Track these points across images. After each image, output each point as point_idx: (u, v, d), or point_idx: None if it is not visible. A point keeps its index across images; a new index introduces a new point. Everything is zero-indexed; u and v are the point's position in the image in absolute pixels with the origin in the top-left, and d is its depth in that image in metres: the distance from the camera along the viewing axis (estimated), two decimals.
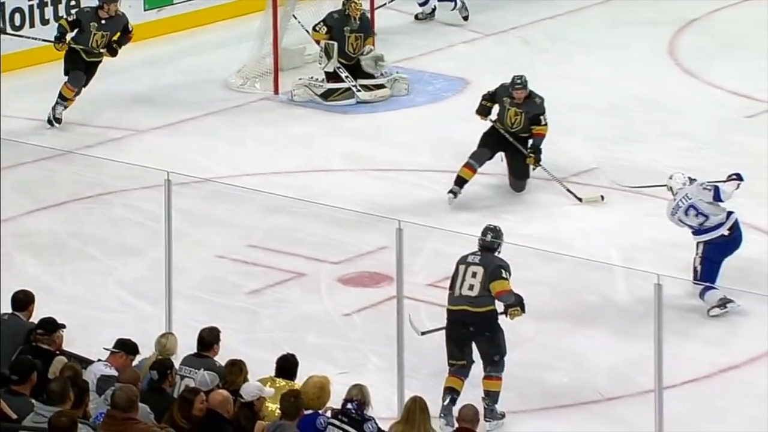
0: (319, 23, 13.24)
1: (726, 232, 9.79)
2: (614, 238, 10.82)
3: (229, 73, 13.83)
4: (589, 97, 13.39)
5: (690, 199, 9.84)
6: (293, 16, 13.86)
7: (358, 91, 13.18)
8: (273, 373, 8.08)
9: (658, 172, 11.76)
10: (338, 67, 13.16)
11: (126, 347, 8.18)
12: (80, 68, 12.66)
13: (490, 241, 8.99)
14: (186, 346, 8.27)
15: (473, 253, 8.94)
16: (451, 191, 11.30)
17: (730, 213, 9.84)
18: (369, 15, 13.54)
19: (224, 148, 12.56)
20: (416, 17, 15.08)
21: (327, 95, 13.27)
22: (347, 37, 13.15)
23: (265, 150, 12.53)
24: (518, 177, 11.43)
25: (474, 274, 8.80)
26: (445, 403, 8.74)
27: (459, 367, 8.82)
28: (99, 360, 8.13)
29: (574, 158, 12.12)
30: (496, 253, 8.94)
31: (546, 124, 11.35)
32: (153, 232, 10.03)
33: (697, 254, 9.83)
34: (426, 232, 10.48)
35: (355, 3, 13.11)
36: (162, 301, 8.91)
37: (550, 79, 13.67)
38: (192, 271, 10.31)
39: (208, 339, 8.20)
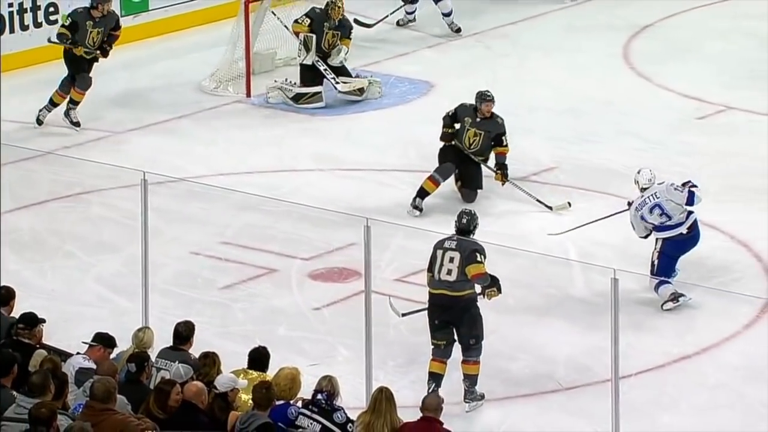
0: (301, 16, 13.21)
1: (685, 231, 9.80)
2: (572, 234, 10.83)
3: (202, 76, 13.77)
4: (547, 99, 13.40)
5: (657, 198, 9.82)
6: (272, 12, 13.81)
7: (337, 83, 13.13)
8: (245, 365, 8.05)
9: (612, 170, 11.81)
10: (316, 60, 13.12)
11: (104, 340, 8.13)
12: (86, 70, 12.60)
13: (466, 223, 8.97)
14: (161, 339, 8.22)
15: (449, 238, 8.91)
16: (416, 207, 11.06)
17: (690, 213, 9.85)
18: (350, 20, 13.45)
19: (198, 148, 12.51)
20: (398, 23, 14.93)
21: (297, 98, 13.24)
22: (325, 32, 13.11)
23: (238, 150, 12.49)
24: (472, 188, 11.23)
25: (451, 259, 8.78)
26: (430, 389, 8.76)
27: (440, 347, 8.82)
28: (78, 353, 8.07)
29: (533, 158, 12.12)
30: (471, 236, 8.92)
31: (507, 145, 11.23)
32: (129, 230, 9.97)
33: (655, 249, 9.84)
34: (393, 230, 10.47)
35: (338, 7, 13.07)
36: (138, 295, 8.86)
37: (511, 82, 13.72)
38: (167, 266, 10.27)
39: (185, 333, 8.16)
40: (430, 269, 8.88)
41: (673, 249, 9.78)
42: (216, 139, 12.74)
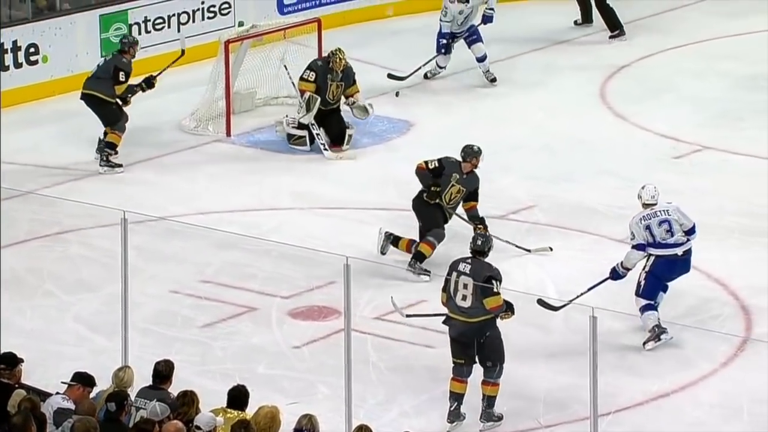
0: (306, 72, 12.93)
1: (680, 253, 9.74)
2: (550, 271, 10.81)
3: (183, 115, 13.76)
4: (525, 138, 13.39)
5: (669, 215, 9.77)
6: (284, 66, 13.63)
7: (326, 149, 12.99)
8: (225, 404, 7.99)
9: (590, 209, 11.81)
10: (312, 124, 12.97)
11: (83, 380, 8.05)
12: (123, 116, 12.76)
13: (480, 245, 8.91)
14: (141, 378, 8.15)
15: (464, 260, 8.89)
16: (425, 271, 10.53)
17: (688, 238, 9.80)
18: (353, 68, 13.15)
19: (178, 187, 12.46)
20: (425, 76, 14.43)
21: (289, 138, 13.21)
22: (329, 85, 12.99)
23: (218, 189, 12.45)
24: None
25: (465, 285, 8.79)
26: (452, 408, 8.78)
27: (460, 366, 8.81)
28: (57, 393, 8.00)
29: (511, 197, 12.10)
30: (486, 258, 8.89)
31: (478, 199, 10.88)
32: (109, 269, 9.91)
33: (644, 269, 9.77)
34: (373, 268, 10.44)
35: (339, 58, 12.91)
36: (118, 334, 8.79)
37: (490, 120, 13.73)
38: (147, 305, 10.21)
39: (164, 372, 8.10)
40: (445, 289, 8.86)
41: (664, 270, 9.68)
42: (196, 178, 12.69)
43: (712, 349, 9.68)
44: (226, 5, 15.26)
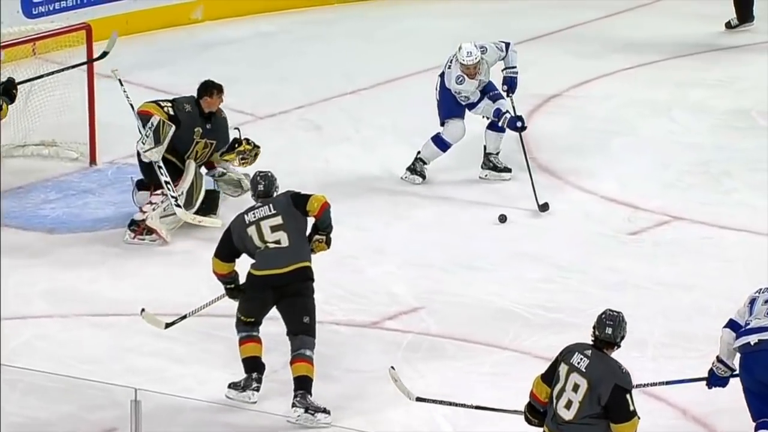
0: (166, 103, 13.04)
1: (753, 341, 9.87)
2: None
3: None
4: (406, 206, 13.49)
5: None
6: (119, 81, 13.51)
7: (177, 205, 12.93)
8: None
9: (503, 311, 11.87)
10: (160, 166, 12.95)
11: None
12: None
13: (611, 334, 9.01)
14: None
15: (582, 349, 9.01)
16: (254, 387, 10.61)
17: None
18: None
19: None
20: (419, 174, 14.06)
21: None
22: (196, 142, 13.05)
23: None
24: (298, 327, 11.05)
25: (576, 387, 8.96)
26: None
27: None
28: None
29: (387, 294, 12.13)
30: (614, 352, 9.00)
31: None
32: None
33: None
34: (177, 405, 10.36)
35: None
36: None
37: (350, 179, 13.79)
38: None
39: None
40: (546, 380, 9.01)
41: (743, 372, 9.86)
42: None
43: None
44: None
